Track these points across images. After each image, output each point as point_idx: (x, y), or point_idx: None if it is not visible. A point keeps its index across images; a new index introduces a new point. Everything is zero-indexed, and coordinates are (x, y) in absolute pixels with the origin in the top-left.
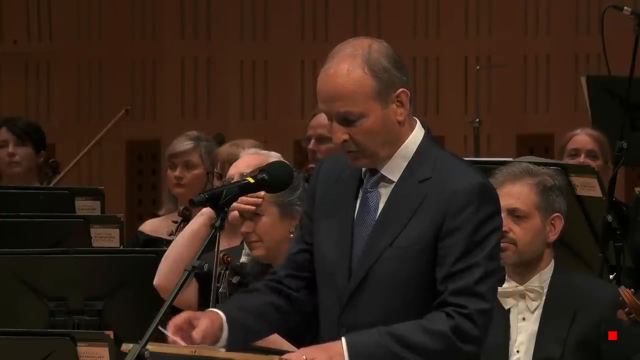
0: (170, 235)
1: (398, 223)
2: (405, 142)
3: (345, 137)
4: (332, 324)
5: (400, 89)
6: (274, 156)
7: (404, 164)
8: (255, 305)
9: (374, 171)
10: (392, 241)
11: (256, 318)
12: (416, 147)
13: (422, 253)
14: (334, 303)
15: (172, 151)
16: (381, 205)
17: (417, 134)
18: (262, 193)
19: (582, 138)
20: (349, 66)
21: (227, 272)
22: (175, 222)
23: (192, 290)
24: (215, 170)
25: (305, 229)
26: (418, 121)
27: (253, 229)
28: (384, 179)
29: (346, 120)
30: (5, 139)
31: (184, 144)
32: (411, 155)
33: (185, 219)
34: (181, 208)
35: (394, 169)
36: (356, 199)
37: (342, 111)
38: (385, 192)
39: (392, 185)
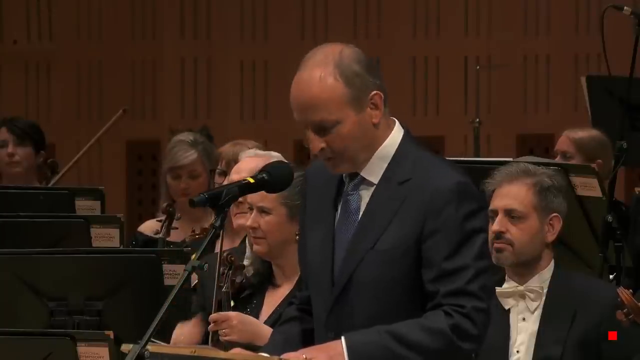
0: (156, 234)
1: (379, 226)
2: (384, 144)
3: (322, 145)
4: (321, 329)
5: (374, 92)
6: (275, 156)
7: (384, 166)
8: (296, 335)
9: (354, 174)
10: (374, 244)
11: (304, 346)
12: (395, 148)
13: (405, 255)
14: (321, 308)
15: (175, 163)
16: (362, 208)
17: (395, 135)
18: None
19: (561, 139)
20: (321, 74)
21: (230, 271)
22: (160, 220)
23: (197, 334)
24: (219, 167)
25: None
26: (397, 122)
27: (259, 224)
28: (364, 181)
29: (322, 129)
30: (5, 139)
31: (187, 155)
32: (391, 157)
33: (170, 216)
34: (164, 205)
35: (373, 171)
36: (337, 202)
37: (317, 120)
38: (366, 195)
39: (373, 188)
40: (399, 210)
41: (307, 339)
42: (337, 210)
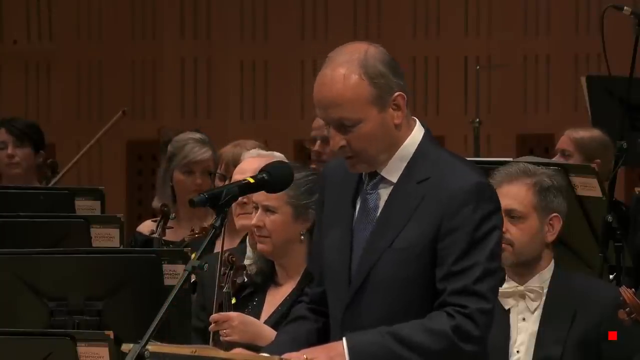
0: (151, 234)
1: (397, 225)
2: (405, 143)
3: (343, 142)
4: (337, 327)
5: (397, 93)
6: (278, 157)
7: (403, 165)
8: (303, 335)
9: (373, 173)
10: (391, 243)
11: (310, 346)
12: (415, 147)
13: (421, 254)
14: (337, 306)
15: (192, 159)
16: (380, 207)
17: (416, 134)
18: None
19: (562, 138)
20: (345, 72)
21: (231, 272)
22: (155, 220)
23: None
24: (219, 171)
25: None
26: (417, 121)
27: (264, 223)
28: (383, 180)
29: (343, 127)
30: (4, 140)
31: (202, 152)
32: (410, 156)
33: (165, 216)
34: (160, 205)
35: (393, 170)
36: (356, 200)
37: (339, 117)
38: (384, 193)
39: (391, 187)
40: (417, 209)
41: (315, 338)
42: (355, 208)
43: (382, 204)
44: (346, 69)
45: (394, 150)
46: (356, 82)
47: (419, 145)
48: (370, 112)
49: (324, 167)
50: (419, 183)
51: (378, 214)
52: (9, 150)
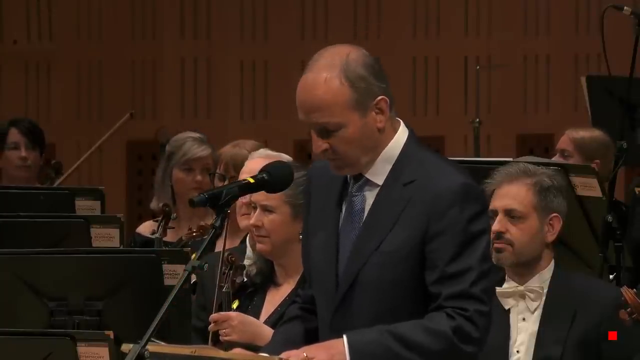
0: (152, 234)
1: (383, 227)
2: (389, 145)
3: (326, 146)
4: (325, 329)
5: (380, 97)
6: (285, 159)
7: (388, 167)
8: (298, 335)
9: (358, 175)
10: (378, 246)
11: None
12: (400, 149)
13: (409, 257)
14: (325, 308)
15: (191, 156)
16: (366, 209)
17: (400, 136)
18: None
19: (562, 137)
20: (326, 77)
21: (231, 271)
22: (157, 220)
23: None
24: (218, 171)
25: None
26: (402, 122)
27: (263, 223)
28: (368, 182)
29: (325, 131)
30: (17, 140)
31: (201, 149)
32: (395, 158)
33: (166, 216)
34: (161, 205)
35: (378, 173)
36: (342, 202)
37: (321, 122)
38: (370, 196)
39: (377, 189)
40: (404, 212)
41: (309, 339)
42: (341, 210)
43: (368, 206)
44: (327, 73)
45: (377, 152)
46: (337, 87)
47: (404, 147)
48: (351, 117)
49: (310, 168)
50: (405, 185)
51: (364, 217)
52: (23, 153)
